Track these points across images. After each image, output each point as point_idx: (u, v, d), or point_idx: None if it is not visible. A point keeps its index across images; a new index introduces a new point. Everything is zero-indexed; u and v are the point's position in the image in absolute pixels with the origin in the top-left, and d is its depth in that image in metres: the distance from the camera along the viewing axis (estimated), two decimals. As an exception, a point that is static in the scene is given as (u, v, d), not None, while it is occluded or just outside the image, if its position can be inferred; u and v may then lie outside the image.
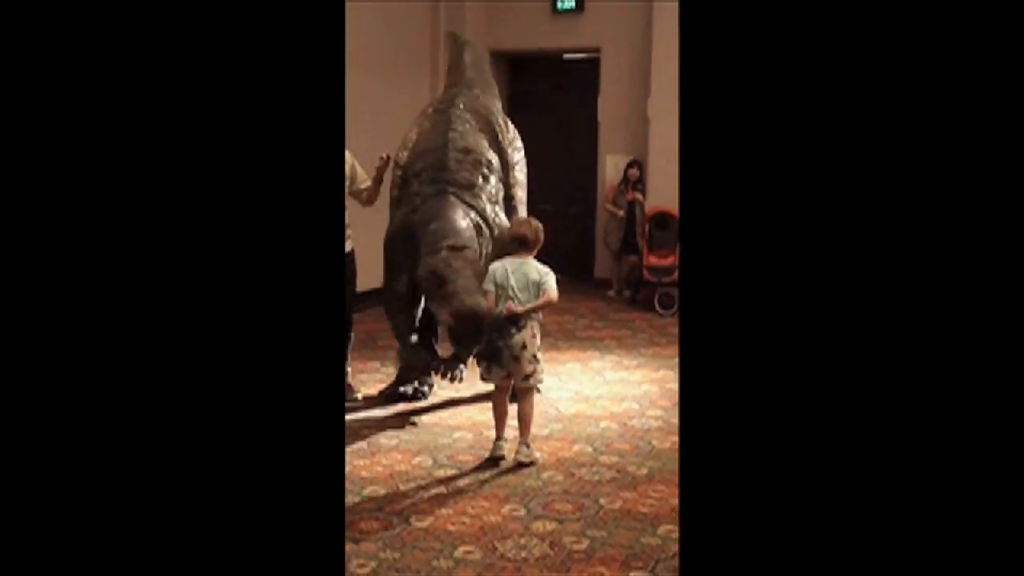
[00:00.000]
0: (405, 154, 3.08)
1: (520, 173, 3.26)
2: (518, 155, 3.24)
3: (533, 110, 5.99)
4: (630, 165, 5.20)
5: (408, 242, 2.86)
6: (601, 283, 4.94)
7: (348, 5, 4.67)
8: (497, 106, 3.43)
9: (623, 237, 5.10)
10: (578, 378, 3.91)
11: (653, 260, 4.94)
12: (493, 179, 3.03)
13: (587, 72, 5.90)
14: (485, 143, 3.09)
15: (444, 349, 3.26)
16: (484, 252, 2.88)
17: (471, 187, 2.93)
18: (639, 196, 5.05)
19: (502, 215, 3.05)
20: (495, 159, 3.09)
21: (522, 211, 3.22)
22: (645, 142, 5.22)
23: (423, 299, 3.00)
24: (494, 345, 2.63)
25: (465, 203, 2.89)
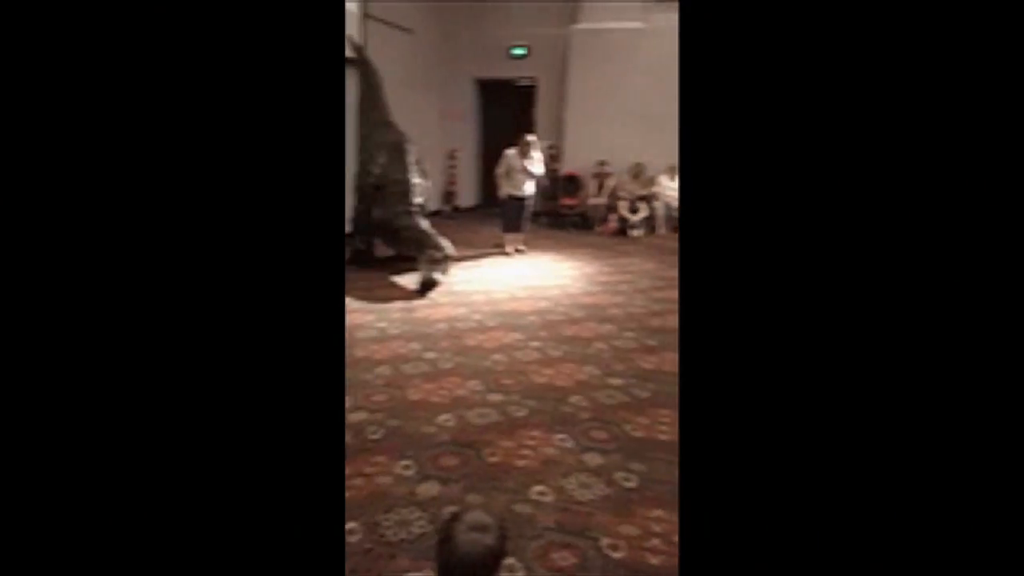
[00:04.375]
0: (377, 170, 5.26)
1: (428, 186, 5.69)
2: (427, 175, 5.66)
3: (496, 114, 9.41)
4: (550, 146, 8.27)
5: (388, 229, 5.19)
6: (536, 214, 7.38)
7: (399, 38, 6.88)
8: (414, 146, 5.47)
9: (548, 189, 8.09)
10: (522, 272, 5.67)
11: (566, 201, 8.12)
12: (424, 198, 5.41)
13: (530, 93, 9.12)
14: (421, 175, 5.40)
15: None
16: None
17: (419, 206, 5.26)
18: (553, 165, 8.16)
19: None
20: (423, 182, 5.44)
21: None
22: (561, 133, 8.49)
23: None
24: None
25: (419, 216, 5.18)
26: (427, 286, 4.75)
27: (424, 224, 5.11)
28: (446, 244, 4.91)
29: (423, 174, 5.48)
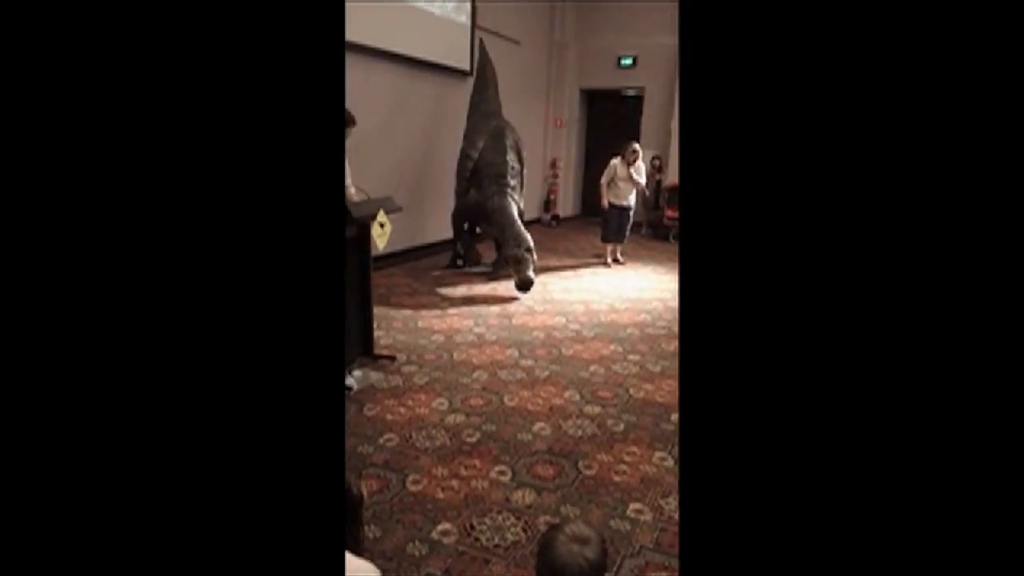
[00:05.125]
0: (475, 154, 5.46)
1: (524, 172, 5.71)
2: (523, 163, 5.74)
3: (602, 125, 9.31)
4: (655, 158, 8.45)
5: (479, 212, 5.35)
6: (636, 224, 7.52)
7: (507, 48, 7.32)
8: (514, 132, 5.65)
9: (651, 199, 8.37)
10: (622, 283, 5.55)
11: (670, 213, 7.99)
12: (517, 181, 5.48)
13: (636, 103, 8.99)
14: (517, 160, 5.50)
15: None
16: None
17: (514, 188, 5.37)
18: (657, 176, 8.41)
19: (518, 196, 5.55)
20: (519, 167, 5.52)
21: (521, 191, 5.62)
22: (668, 144, 8.39)
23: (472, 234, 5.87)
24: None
25: (512, 197, 5.30)
26: (525, 286, 4.84)
27: (513, 210, 5.21)
28: (527, 236, 5.00)
29: (520, 160, 5.56)
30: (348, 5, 4.06)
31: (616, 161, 6.00)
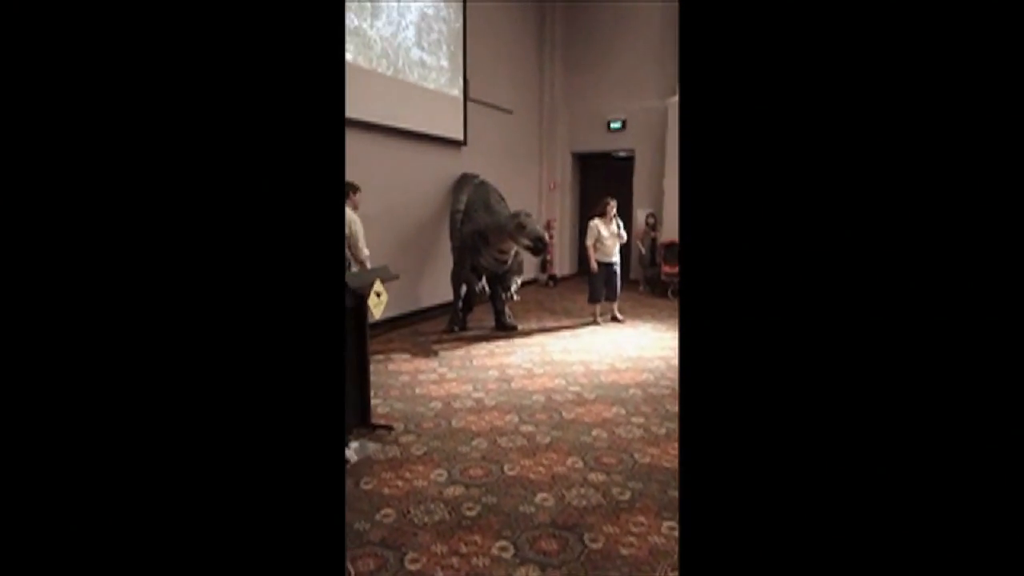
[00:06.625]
0: (462, 206, 6.05)
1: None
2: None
3: (595, 185, 9.56)
4: (649, 215, 8.80)
5: (478, 238, 5.67)
6: (634, 282, 8.27)
7: (500, 117, 7.87)
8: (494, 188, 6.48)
9: (648, 256, 8.73)
10: (622, 342, 5.52)
11: (667, 269, 8.12)
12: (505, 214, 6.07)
13: (627, 164, 9.30)
14: (501, 200, 6.18)
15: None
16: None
17: (499, 212, 5.97)
18: (652, 233, 8.67)
19: None
20: (504, 204, 6.18)
21: None
22: (660, 202, 8.62)
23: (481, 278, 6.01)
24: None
25: (501, 214, 5.81)
26: (538, 243, 5.32)
27: (507, 213, 5.77)
28: (520, 210, 5.60)
29: (502, 200, 6.20)
30: (347, 83, 4.30)
31: (596, 221, 6.14)
